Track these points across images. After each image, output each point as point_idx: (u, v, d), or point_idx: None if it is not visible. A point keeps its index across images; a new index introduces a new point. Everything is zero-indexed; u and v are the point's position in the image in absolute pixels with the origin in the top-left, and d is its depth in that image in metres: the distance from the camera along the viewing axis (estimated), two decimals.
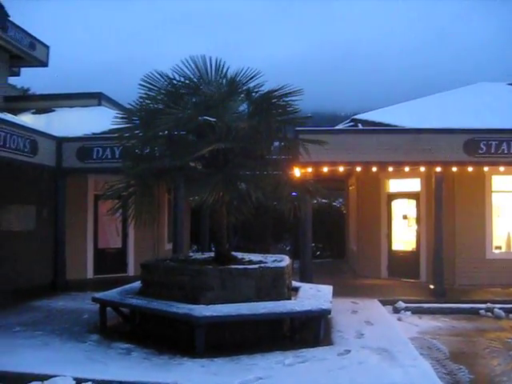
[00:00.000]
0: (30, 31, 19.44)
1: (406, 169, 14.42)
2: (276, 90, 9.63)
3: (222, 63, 9.79)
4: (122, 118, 9.95)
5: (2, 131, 12.25)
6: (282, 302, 9.32)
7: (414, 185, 16.63)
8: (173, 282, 9.51)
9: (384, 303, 12.97)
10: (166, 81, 9.86)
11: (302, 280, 13.67)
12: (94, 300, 10.26)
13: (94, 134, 15.56)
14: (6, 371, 7.34)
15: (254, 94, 9.78)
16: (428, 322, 11.68)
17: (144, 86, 9.84)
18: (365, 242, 17.92)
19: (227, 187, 9.16)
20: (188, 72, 9.78)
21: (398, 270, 16.81)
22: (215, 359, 8.09)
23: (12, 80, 22.50)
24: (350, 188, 21.43)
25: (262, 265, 9.68)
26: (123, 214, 10.42)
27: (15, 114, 17.77)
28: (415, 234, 16.77)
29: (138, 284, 10.73)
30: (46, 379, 6.87)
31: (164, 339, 9.16)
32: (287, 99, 9.79)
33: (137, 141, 10.08)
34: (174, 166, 9.70)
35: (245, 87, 9.73)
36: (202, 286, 9.12)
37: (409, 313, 12.43)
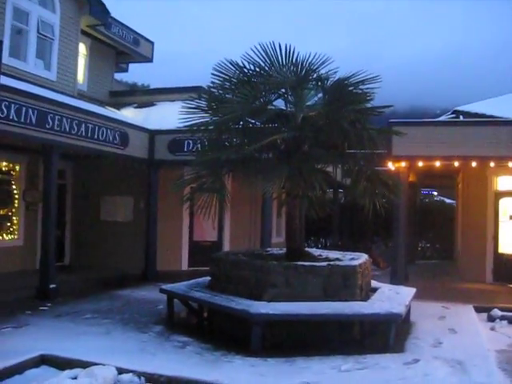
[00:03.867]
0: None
1: (510, 164, 13.20)
2: (349, 77, 9.05)
3: (292, 49, 9.32)
4: (190, 108, 9.78)
5: (90, 123, 12.55)
6: (349, 303, 8.72)
7: None
8: (238, 277, 9.23)
9: (479, 310, 11.91)
10: (236, 69, 9.56)
11: (393, 282, 12.94)
12: (162, 291, 10.21)
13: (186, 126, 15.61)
14: (57, 356, 7.38)
15: (326, 81, 9.24)
16: None
17: (215, 74, 9.61)
18: (469, 244, 16.67)
19: (294, 177, 8.71)
20: (258, 59, 9.41)
21: (505, 275, 15.48)
22: (269, 359, 7.69)
23: (122, 76, 23.30)
24: (459, 186, 20.15)
25: (332, 263, 9.14)
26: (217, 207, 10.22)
27: (119, 109, 18.33)
28: None
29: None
30: (89, 366, 6.81)
31: (226, 335, 8.92)
32: (364, 87, 9.18)
33: (204, 133, 9.92)
34: (242, 156, 9.40)
35: (315, 74, 9.21)
36: (265, 282, 8.76)
37: (505, 322, 11.26)
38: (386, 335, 8.53)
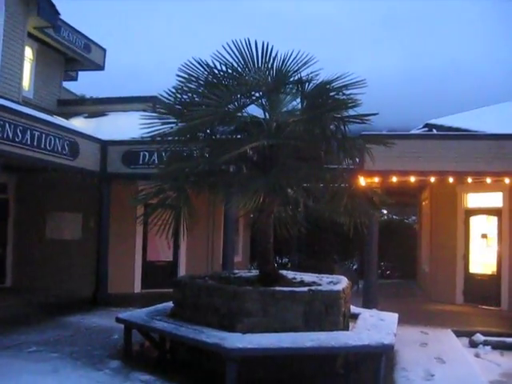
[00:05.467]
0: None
1: (488, 180, 12.56)
2: (333, 81, 8.10)
3: (269, 48, 8.32)
4: (154, 113, 8.71)
5: (36, 130, 11.28)
6: (334, 333, 7.73)
7: (495, 199, 14.66)
8: (207, 304, 8.13)
9: (458, 334, 11.16)
10: (205, 70, 8.52)
11: (365, 305, 12.06)
12: (118, 321, 8.99)
13: (142, 137, 14.47)
14: None
15: (307, 84, 8.27)
16: None
17: (181, 76, 8.54)
18: (438, 263, 16.00)
19: (272, 192, 7.71)
20: (230, 59, 8.37)
21: (476, 296, 14.84)
22: None
23: (70, 85, 21.92)
24: (423, 203, 19.56)
25: (313, 287, 8.15)
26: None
27: (67, 119, 17.05)
28: (496, 255, 14.79)
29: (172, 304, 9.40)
30: None
31: (194, 370, 7.81)
32: (348, 92, 8.24)
33: (167, 143, 8.87)
34: (214, 169, 8.39)
35: (296, 77, 8.23)
36: (239, 310, 7.68)
37: (488, 348, 10.55)
38: (374, 368, 7.60)
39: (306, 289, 8.02)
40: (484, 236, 15.23)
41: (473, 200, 15.40)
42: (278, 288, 7.95)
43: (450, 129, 13.96)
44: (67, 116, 17.52)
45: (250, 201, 7.37)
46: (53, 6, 15.20)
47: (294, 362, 7.65)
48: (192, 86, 8.58)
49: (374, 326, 8.52)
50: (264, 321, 7.67)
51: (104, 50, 19.95)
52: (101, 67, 20.09)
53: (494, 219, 14.94)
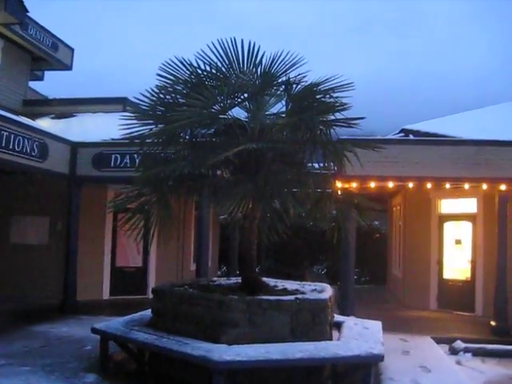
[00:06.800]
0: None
1: (466, 186, 12.51)
2: (321, 83, 7.85)
3: (256, 48, 8.04)
4: (133, 115, 8.34)
5: (5, 130, 10.77)
6: (323, 343, 7.48)
7: (469, 205, 14.67)
8: (189, 314, 7.77)
9: (438, 341, 11.07)
10: (188, 70, 8.18)
11: (342, 312, 11.85)
12: (94, 331, 8.55)
13: (113, 139, 14.04)
14: None
15: (295, 86, 8.00)
16: (494, 369, 9.69)
17: (162, 76, 8.19)
18: (412, 269, 15.93)
19: (259, 199, 7.43)
20: (215, 59, 8.07)
21: (450, 302, 14.82)
22: None
23: (36, 85, 21.24)
24: (394, 209, 19.52)
25: (299, 296, 7.87)
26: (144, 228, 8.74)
27: (33, 119, 16.47)
28: (470, 260, 14.79)
29: (150, 312, 9.01)
30: None
31: (173, 382, 7.44)
32: (335, 95, 7.99)
33: (147, 145, 8.51)
34: (194, 172, 8.06)
35: (283, 78, 7.95)
36: (224, 320, 7.35)
37: (469, 355, 10.48)
38: (362, 379, 7.38)
39: (292, 297, 7.74)
40: (458, 242, 15.23)
41: (447, 206, 15.40)
42: (264, 297, 7.65)
43: (426, 134, 13.89)
44: (33, 117, 16.92)
45: (237, 206, 7.08)
46: (21, 1, 14.65)
47: (280, 373, 7.37)
48: (177, 88, 8.23)
49: (360, 334, 8.29)
50: (250, 331, 7.35)
51: (72, 50, 19.36)
52: (68, 67, 19.47)
53: (468, 225, 14.94)
